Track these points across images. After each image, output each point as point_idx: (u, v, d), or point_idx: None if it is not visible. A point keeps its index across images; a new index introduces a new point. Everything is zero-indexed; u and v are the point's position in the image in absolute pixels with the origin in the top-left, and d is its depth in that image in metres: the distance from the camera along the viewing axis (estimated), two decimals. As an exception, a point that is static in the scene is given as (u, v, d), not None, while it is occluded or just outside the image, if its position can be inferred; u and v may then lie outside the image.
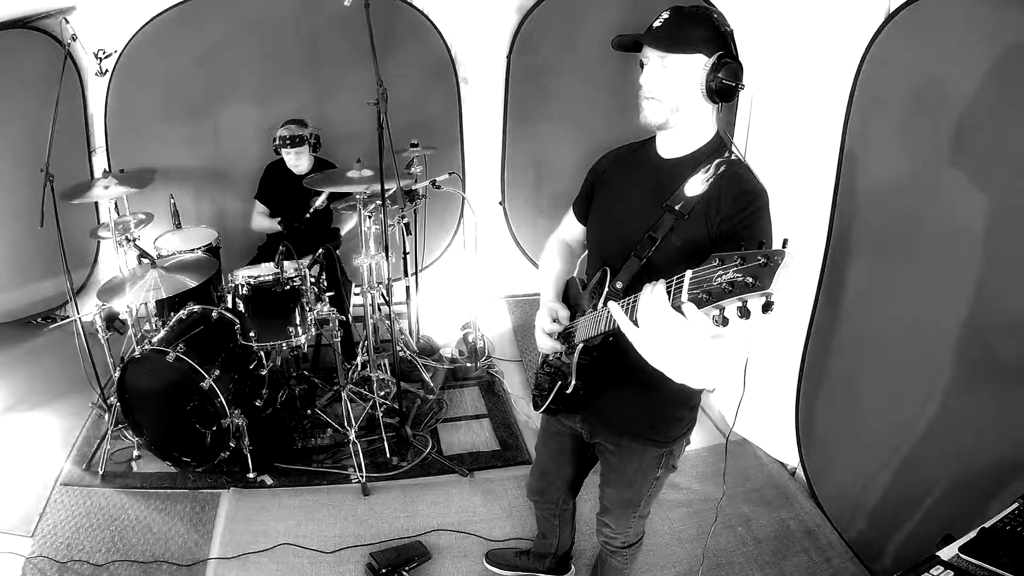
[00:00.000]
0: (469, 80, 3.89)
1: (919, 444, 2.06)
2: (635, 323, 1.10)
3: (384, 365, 3.31)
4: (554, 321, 1.55)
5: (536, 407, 1.67)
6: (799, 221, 2.56)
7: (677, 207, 1.34)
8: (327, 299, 2.86)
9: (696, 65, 1.31)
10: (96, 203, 3.74)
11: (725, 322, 0.94)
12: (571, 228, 1.72)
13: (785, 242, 0.93)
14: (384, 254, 2.96)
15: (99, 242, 3.86)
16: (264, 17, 3.61)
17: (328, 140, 3.50)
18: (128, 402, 2.65)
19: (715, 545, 2.43)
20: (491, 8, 3.66)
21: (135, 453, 2.77)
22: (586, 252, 1.67)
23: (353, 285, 3.58)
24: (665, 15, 1.32)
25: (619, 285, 1.40)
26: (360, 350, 3.26)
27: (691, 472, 2.80)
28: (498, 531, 2.50)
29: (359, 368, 3.22)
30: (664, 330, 1.04)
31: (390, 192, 2.68)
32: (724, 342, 1.18)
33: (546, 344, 1.56)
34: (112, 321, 2.83)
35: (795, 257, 0.89)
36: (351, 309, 3.52)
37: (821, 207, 2.38)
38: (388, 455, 2.82)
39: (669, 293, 1.03)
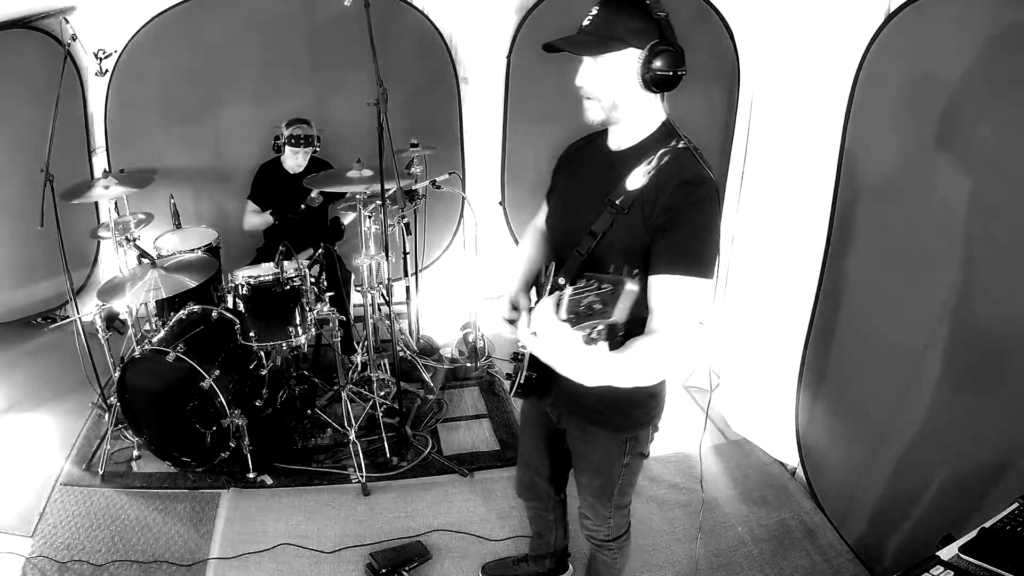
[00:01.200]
0: (469, 80, 3.89)
1: (919, 444, 2.05)
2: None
3: (384, 365, 3.31)
4: (513, 309, 1.56)
5: (509, 392, 1.69)
6: (799, 220, 2.56)
7: (617, 201, 1.32)
8: (327, 299, 2.86)
9: (629, 59, 1.27)
10: (96, 203, 3.74)
11: (592, 342, 0.96)
12: (543, 214, 1.73)
13: (635, 273, 0.94)
14: (384, 254, 2.96)
15: (99, 242, 3.86)
16: (264, 17, 3.61)
17: (328, 140, 3.50)
18: (128, 402, 2.65)
19: (715, 545, 2.43)
20: (491, 8, 3.66)
21: (135, 453, 2.77)
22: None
23: (352, 276, 3.57)
24: (594, 10, 1.29)
25: (561, 280, 1.40)
26: (360, 350, 3.26)
27: (691, 472, 2.80)
28: (498, 531, 2.50)
29: (359, 368, 3.22)
30: (552, 341, 1.04)
31: (390, 192, 2.68)
32: (648, 344, 1.20)
33: (504, 330, 1.57)
34: (112, 321, 2.83)
35: (635, 290, 0.92)
36: (351, 308, 3.52)
37: (821, 206, 2.37)
38: (388, 455, 2.82)
39: (556, 307, 1.03)
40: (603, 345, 0.98)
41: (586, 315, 0.95)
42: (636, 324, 1.30)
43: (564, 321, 0.99)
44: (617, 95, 1.31)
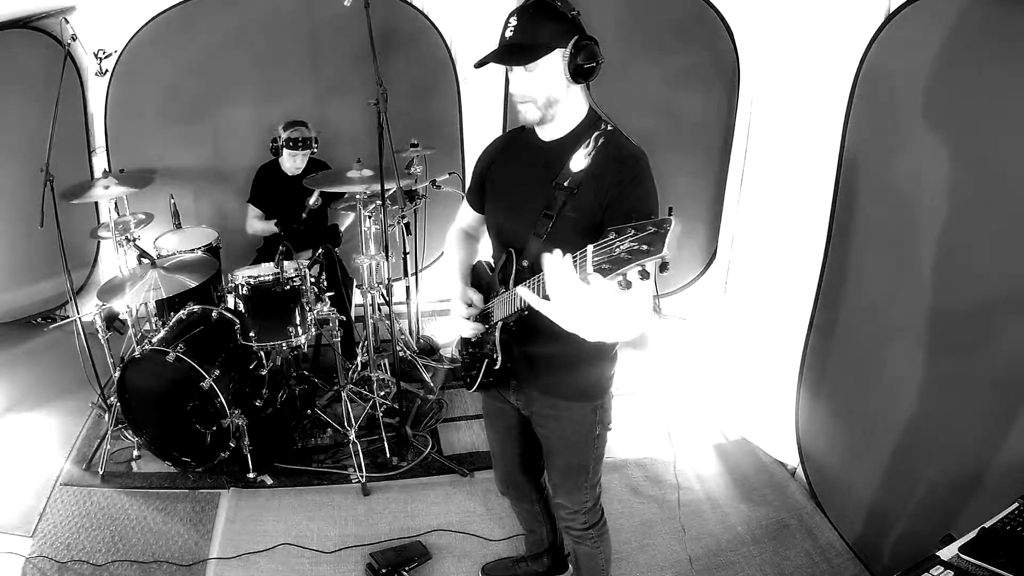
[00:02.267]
0: (469, 80, 3.89)
1: (919, 443, 2.06)
2: (545, 298, 1.19)
3: (384, 365, 3.31)
4: (469, 306, 1.62)
5: (469, 387, 1.74)
6: (799, 220, 2.56)
7: (566, 183, 1.43)
8: (327, 299, 2.86)
9: (557, 59, 1.38)
10: (96, 203, 3.75)
11: (629, 285, 1.06)
12: (466, 216, 1.80)
13: (670, 210, 1.04)
14: (384, 254, 2.96)
15: (99, 242, 3.86)
16: (264, 17, 3.61)
17: (328, 140, 3.50)
18: (128, 402, 2.65)
19: (715, 545, 2.43)
20: (491, 8, 3.66)
21: (135, 453, 2.77)
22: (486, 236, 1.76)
23: (354, 283, 3.58)
24: (513, 22, 1.38)
25: (524, 264, 1.49)
26: (360, 350, 3.26)
27: (691, 472, 2.80)
28: (498, 531, 2.50)
29: (359, 368, 3.22)
30: (573, 299, 1.13)
31: (390, 192, 2.68)
32: (627, 300, 1.27)
33: (467, 328, 1.64)
34: (112, 321, 2.83)
35: (679, 223, 1.02)
36: (352, 309, 3.52)
37: (821, 206, 2.38)
38: (388, 455, 2.82)
39: (574, 266, 1.12)
40: (637, 288, 1.08)
41: (625, 260, 1.03)
42: None
43: (592, 272, 1.07)
44: (551, 93, 1.41)
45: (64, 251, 2.64)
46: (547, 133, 1.51)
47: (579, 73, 1.39)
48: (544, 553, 2.21)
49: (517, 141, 1.61)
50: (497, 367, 1.61)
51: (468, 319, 1.62)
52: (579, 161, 1.43)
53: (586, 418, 1.68)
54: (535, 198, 1.48)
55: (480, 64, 1.41)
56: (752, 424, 3.01)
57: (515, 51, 1.38)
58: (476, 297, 1.63)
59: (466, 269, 1.75)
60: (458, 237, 1.81)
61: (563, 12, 1.37)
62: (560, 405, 1.68)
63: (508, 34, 1.39)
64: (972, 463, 1.86)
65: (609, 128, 1.46)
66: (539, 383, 1.67)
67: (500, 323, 1.57)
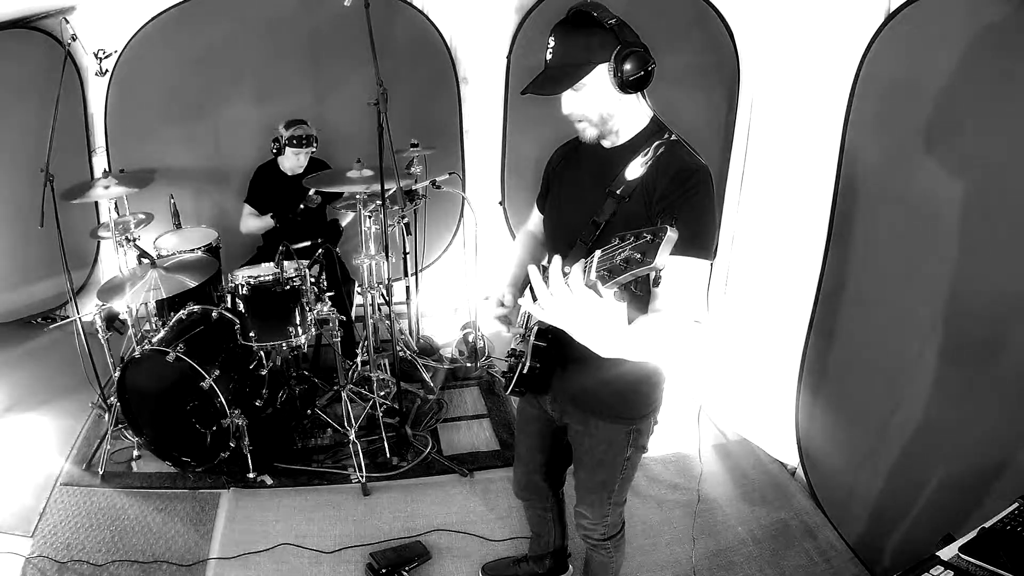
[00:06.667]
0: (469, 80, 3.89)
1: (919, 443, 2.05)
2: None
3: (384, 365, 3.31)
4: (501, 306, 1.61)
5: (505, 390, 1.71)
6: (799, 220, 2.56)
7: (618, 191, 1.39)
8: (327, 299, 2.86)
9: (601, 74, 1.34)
10: (96, 203, 3.74)
11: (623, 298, 1.03)
12: (534, 219, 1.80)
13: (674, 221, 0.99)
14: (384, 254, 2.96)
15: (99, 242, 3.86)
16: (264, 17, 3.61)
17: (328, 140, 3.50)
18: (128, 402, 2.65)
19: (715, 545, 2.43)
20: (491, 8, 3.66)
21: (135, 453, 2.77)
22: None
23: (355, 284, 3.58)
24: (551, 42, 1.35)
25: (566, 270, 1.45)
26: (360, 350, 3.26)
27: (690, 472, 2.80)
28: (498, 531, 2.50)
29: (359, 368, 3.22)
30: (575, 308, 1.09)
31: (390, 192, 2.68)
32: (656, 319, 1.27)
33: (503, 328, 1.63)
34: (112, 321, 2.83)
35: (675, 236, 0.98)
36: (352, 309, 3.52)
37: (822, 205, 2.38)
38: (388, 455, 2.82)
39: (584, 272, 1.09)
40: (625, 307, 1.05)
41: (622, 269, 1.00)
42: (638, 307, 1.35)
43: (595, 280, 1.04)
44: (603, 109, 1.38)
45: (64, 251, 2.64)
46: (609, 139, 1.48)
47: (628, 84, 1.34)
48: (547, 555, 2.21)
49: (582, 146, 1.55)
50: (526, 372, 1.58)
51: (497, 318, 1.61)
52: (635, 169, 1.38)
53: (618, 439, 1.65)
54: (586, 204, 1.45)
55: (524, 92, 1.37)
56: (752, 424, 3.01)
57: (555, 77, 1.35)
58: (508, 299, 1.62)
59: (518, 271, 1.72)
60: (522, 238, 1.80)
61: (601, 20, 1.31)
62: (592, 422, 1.65)
63: (548, 56, 1.36)
64: (972, 463, 1.86)
65: (672, 138, 1.41)
66: (572, 395, 1.65)
67: (536, 328, 1.54)
